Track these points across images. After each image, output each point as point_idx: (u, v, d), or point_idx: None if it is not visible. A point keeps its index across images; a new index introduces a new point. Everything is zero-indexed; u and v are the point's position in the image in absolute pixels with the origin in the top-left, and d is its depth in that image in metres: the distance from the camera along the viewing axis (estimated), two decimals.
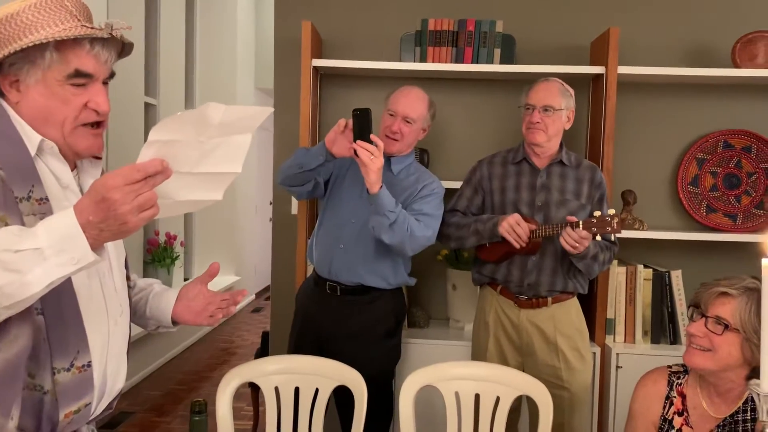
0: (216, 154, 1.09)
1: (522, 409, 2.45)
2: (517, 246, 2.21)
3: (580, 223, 2.15)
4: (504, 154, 2.46)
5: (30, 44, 1.13)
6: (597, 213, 2.15)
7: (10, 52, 1.14)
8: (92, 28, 1.17)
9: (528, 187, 2.35)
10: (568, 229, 2.15)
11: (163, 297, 1.48)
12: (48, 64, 1.16)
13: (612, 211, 2.15)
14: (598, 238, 2.15)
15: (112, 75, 1.26)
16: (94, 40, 1.18)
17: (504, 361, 2.37)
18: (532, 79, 2.86)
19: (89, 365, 1.21)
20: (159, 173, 1.00)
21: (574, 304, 2.40)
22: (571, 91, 2.36)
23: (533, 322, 2.34)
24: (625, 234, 2.61)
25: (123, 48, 1.30)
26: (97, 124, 1.23)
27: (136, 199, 0.99)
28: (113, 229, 1.00)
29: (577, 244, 2.14)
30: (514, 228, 2.20)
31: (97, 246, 1.01)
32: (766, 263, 1.05)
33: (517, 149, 2.43)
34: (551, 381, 2.30)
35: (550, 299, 2.34)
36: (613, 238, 2.26)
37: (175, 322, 1.49)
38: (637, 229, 2.69)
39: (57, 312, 1.16)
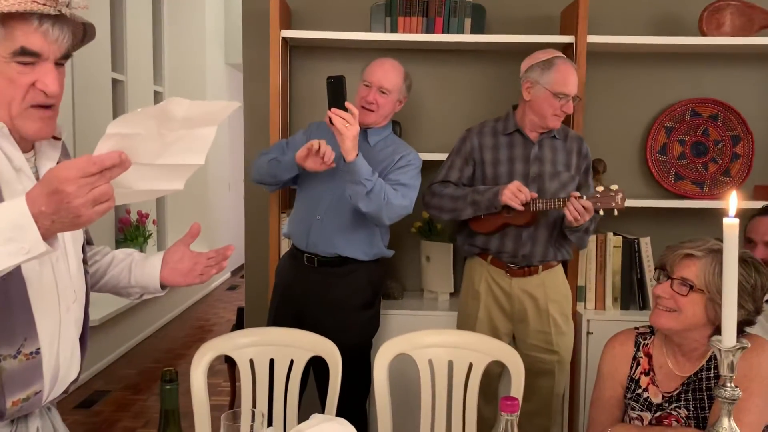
0: (178, 146, 1.06)
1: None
2: (521, 208, 2.22)
3: (584, 197, 2.19)
4: (493, 124, 2.44)
5: None
6: (600, 188, 2.21)
7: None
8: (42, 4, 1.10)
9: (522, 159, 2.36)
10: (573, 200, 2.18)
11: (147, 263, 1.46)
12: None
13: (615, 187, 2.21)
14: (601, 212, 2.21)
15: (67, 56, 1.20)
16: (43, 16, 1.11)
17: (494, 329, 2.41)
18: (502, 49, 2.88)
19: (38, 352, 1.19)
20: (116, 166, 0.96)
21: (560, 270, 2.48)
22: None
23: (525, 290, 2.38)
24: None
25: (86, 31, 1.25)
26: (48, 107, 1.18)
27: (90, 193, 0.95)
28: (66, 221, 0.97)
29: (580, 217, 2.19)
30: (516, 195, 2.21)
31: (49, 236, 0.98)
32: (728, 222, 1.08)
33: (506, 119, 2.42)
34: (542, 346, 2.38)
35: (540, 267, 2.39)
36: (616, 213, 2.27)
37: (164, 286, 1.47)
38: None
39: (3, 299, 1.13)
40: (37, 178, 1.23)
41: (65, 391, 1.32)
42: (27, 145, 1.23)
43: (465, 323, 2.48)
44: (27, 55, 1.12)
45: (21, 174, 1.19)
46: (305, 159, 2.21)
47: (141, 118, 0.98)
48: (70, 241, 1.29)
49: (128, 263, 1.48)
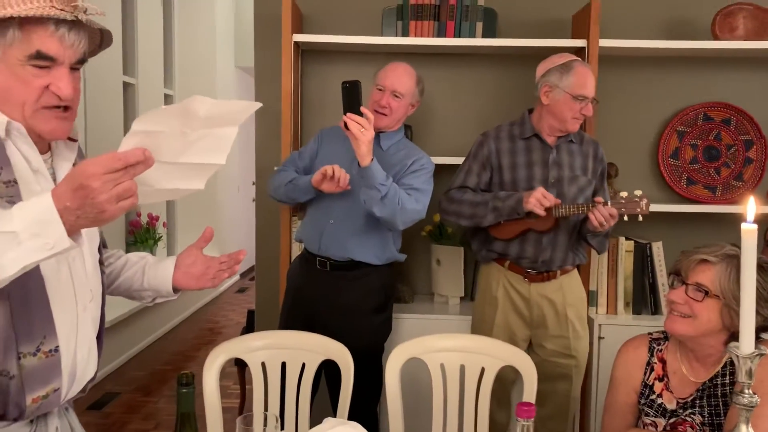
0: (200, 145, 1.07)
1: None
2: (544, 214, 2.22)
3: (608, 203, 2.20)
4: (509, 128, 2.43)
5: None
6: (624, 194, 2.22)
7: None
8: (59, 9, 1.12)
9: (540, 164, 2.35)
10: (600, 207, 2.18)
11: (160, 266, 1.48)
12: (9, 42, 1.12)
13: (639, 192, 2.22)
14: (626, 218, 2.22)
15: (82, 61, 1.21)
16: (59, 21, 1.13)
17: (511, 335, 2.40)
18: (514, 53, 2.88)
19: (56, 350, 1.20)
20: (140, 163, 0.98)
21: (576, 274, 2.48)
22: None
23: (543, 295, 2.38)
24: None
25: (102, 38, 1.26)
26: (65, 108, 1.19)
27: (114, 189, 0.97)
28: (90, 216, 0.98)
29: (605, 223, 2.19)
30: (542, 202, 2.19)
31: (73, 232, 1.00)
32: (746, 227, 1.07)
33: (522, 123, 2.41)
34: (560, 351, 2.38)
35: (558, 272, 2.39)
36: (640, 218, 2.27)
37: (176, 290, 1.48)
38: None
39: (23, 296, 1.14)
40: (54, 180, 1.25)
41: (83, 390, 1.33)
42: (44, 146, 1.25)
43: (481, 329, 2.47)
44: (42, 59, 1.14)
45: (39, 175, 1.21)
46: (320, 183, 2.24)
47: (165, 115, 1.00)
48: (86, 241, 1.30)
49: (142, 266, 1.50)
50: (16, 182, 1.15)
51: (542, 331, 2.40)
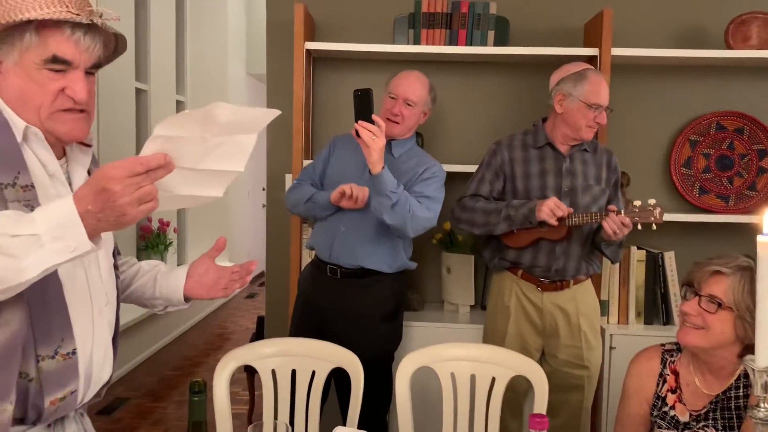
0: (219, 152, 1.08)
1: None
2: (556, 224, 2.21)
3: (622, 212, 2.19)
4: (522, 137, 2.43)
5: (11, 23, 1.11)
6: (637, 202, 2.21)
7: None
8: (75, 13, 1.14)
9: (554, 173, 2.35)
10: (612, 215, 2.18)
11: (172, 275, 1.49)
12: (26, 46, 1.14)
13: (652, 201, 2.21)
14: (639, 227, 2.21)
15: (98, 66, 1.23)
16: (75, 25, 1.15)
17: (524, 345, 2.39)
18: (526, 61, 2.88)
19: (74, 353, 1.21)
20: (161, 167, 0.99)
21: (590, 284, 2.47)
22: None
23: (556, 304, 2.37)
24: None
25: (117, 44, 1.28)
26: (80, 110, 1.21)
27: (136, 192, 0.98)
28: (111, 219, 0.99)
29: (618, 231, 2.18)
30: (554, 212, 2.19)
31: (94, 235, 1.01)
32: (762, 240, 1.06)
33: (536, 132, 2.41)
34: (573, 361, 2.36)
35: (571, 281, 2.38)
36: (654, 227, 2.25)
37: (187, 299, 1.49)
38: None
39: (42, 299, 1.15)
40: (70, 184, 1.26)
41: (98, 395, 1.33)
42: (59, 151, 1.26)
43: (493, 338, 2.45)
44: (58, 63, 1.15)
45: (55, 180, 1.22)
46: (339, 200, 2.26)
47: (186, 120, 1.00)
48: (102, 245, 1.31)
49: (154, 274, 1.51)
50: (33, 186, 1.16)
51: (555, 340, 2.39)
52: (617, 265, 2.73)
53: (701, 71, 2.93)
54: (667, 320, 2.75)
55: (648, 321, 2.76)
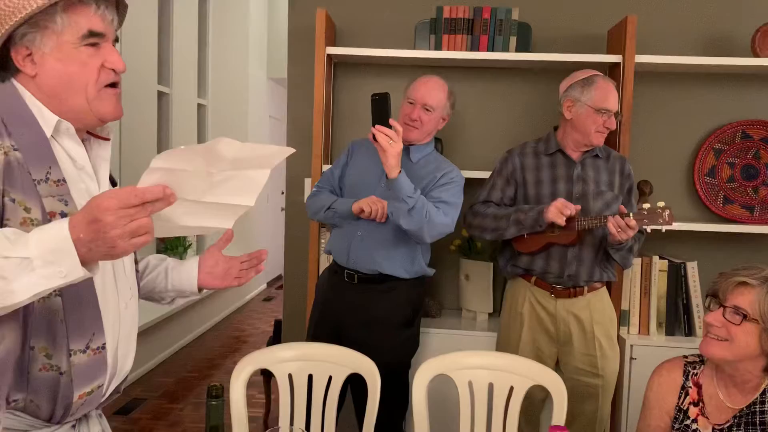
0: (227, 186, 1.07)
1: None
2: (564, 224, 2.20)
3: (631, 215, 2.17)
4: (533, 145, 2.44)
5: (38, 9, 1.12)
6: (646, 205, 2.18)
7: (23, 20, 1.13)
8: None
9: (565, 179, 2.35)
10: (617, 216, 2.17)
11: (184, 268, 1.50)
12: (60, 29, 1.16)
13: (661, 203, 2.18)
14: (649, 230, 2.18)
15: (116, 39, 1.26)
16: (99, 0, 1.18)
17: (538, 352, 2.38)
18: (548, 68, 2.85)
19: (104, 347, 1.22)
20: (159, 200, 0.97)
21: (605, 292, 2.44)
22: None
23: (570, 311, 2.35)
24: None
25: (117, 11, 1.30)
26: (113, 85, 1.23)
27: (128, 225, 0.95)
28: (102, 250, 0.97)
29: (622, 230, 2.16)
30: (562, 211, 2.18)
31: (87, 262, 0.99)
32: None
33: (547, 140, 2.42)
34: (587, 370, 2.34)
35: (586, 288, 2.36)
36: (663, 230, 2.22)
37: (200, 289, 1.51)
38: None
39: (75, 294, 1.16)
40: (96, 175, 1.27)
41: (117, 390, 1.34)
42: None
43: (507, 346, 2.44)
44: (94, 37, 1.18)
45: (82, 173, 1.23)
46: (360, 213, 2.28)
47: (187, 155, 0.98)
48: None
49: (164, 268, 1.52)
50: (65, 181, 1.16)
51: (568, 348, 2.37)
52: (638, 274, 2.69)
53: (726, 79, 2.89)
54: (689, 332, 2.71)
55: (669, 332, 2.71)
